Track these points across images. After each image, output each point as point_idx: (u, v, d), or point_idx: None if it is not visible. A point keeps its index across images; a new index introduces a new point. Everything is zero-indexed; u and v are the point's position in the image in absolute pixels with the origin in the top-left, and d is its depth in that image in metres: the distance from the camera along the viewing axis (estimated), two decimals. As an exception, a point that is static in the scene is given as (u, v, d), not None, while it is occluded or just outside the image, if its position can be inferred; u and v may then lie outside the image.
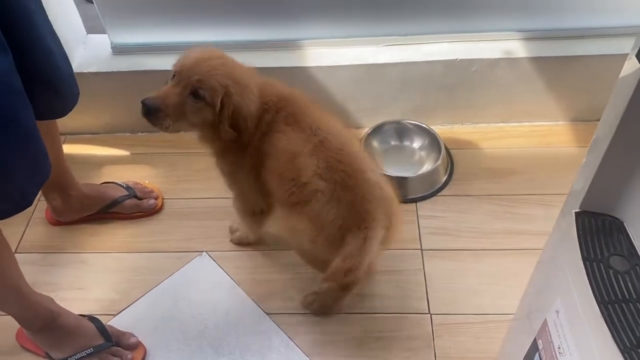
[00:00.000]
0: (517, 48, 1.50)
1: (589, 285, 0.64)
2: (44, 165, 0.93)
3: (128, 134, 1.69)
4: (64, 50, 1.06)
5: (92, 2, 1.48)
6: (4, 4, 0.84)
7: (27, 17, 0.92)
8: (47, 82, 1.00)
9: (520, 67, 1.50)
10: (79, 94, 1.13)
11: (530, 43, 1.51)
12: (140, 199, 1.47)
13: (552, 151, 1.58)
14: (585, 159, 0.70)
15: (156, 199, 1.49)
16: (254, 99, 1.06)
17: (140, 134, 1.69)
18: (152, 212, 1.47)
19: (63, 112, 1.12)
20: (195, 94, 1.00)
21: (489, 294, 1.27)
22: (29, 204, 0.92)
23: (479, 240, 1.38)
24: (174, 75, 1.03)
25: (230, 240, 1.40)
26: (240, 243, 1.39)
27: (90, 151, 1.65)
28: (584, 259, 0.66)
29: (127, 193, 1.46)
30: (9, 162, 0.84)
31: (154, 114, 1.00)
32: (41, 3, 0.99)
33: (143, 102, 1.00)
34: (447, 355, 1.19)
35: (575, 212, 0.70)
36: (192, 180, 1.56)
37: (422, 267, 1.34)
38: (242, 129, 1.06)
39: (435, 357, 1.18)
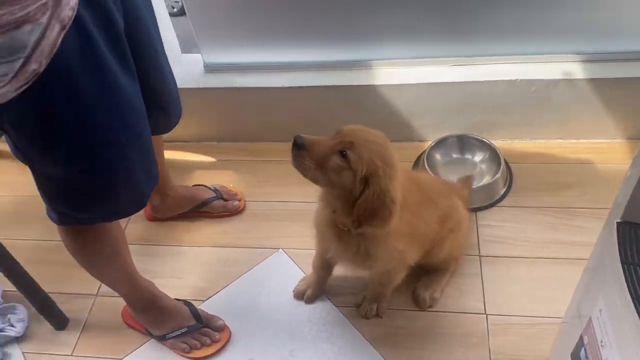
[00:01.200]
0: (576, 70, 1.59)
1: (626, 286, 0.76)
2: (156, 173, 1.12)
3: (215, 143, 1.90)
4: (174, 78, 1.25)
5: (185, 14, 1.66)
6: (136, 38, 1.03)
7: (153, 52, 1.12)
8: (161, 104, 1.20)
9: (579, 88, 1.59)
10: (181, 113, 1.32)
11: (588, 65, 1.60)
12: (226, 200, 1.66)
13: (608, 167, 1.66)
14: (629, 173, 0.81)
15: (239, 200, 1.68)
16: (399, 188, 1.05)
17: (225, 143, 1.90)
18: (235, 212, 1.66)
19: (168, 129, 1.32)
20: (343, 153, 1.00)
21: (541, 298, 1.37)
22: (145, 204, 1.11)
23: (533, 249, 1.48)
24: (334, 134, 1.06)
25: (365, 317, 1.39)
26: (373, 316, 1.39)
27: (183, 157, 1.86)
28: (622, 263, 0.77)
29: (215, 195, 1.66)
30: (136, 172, 1.03)
31: (301, 149, 1.02)
32: (160, 34, 1.18)
33: (297, 137, 1.03)
34: (500, 352, 1.30)
35: (617, 222, 0.81)
36: (270, 185, 1.74)
37: (479, 271, 1.45)
38: (385, 217, 1.03)
39: (490, 353, 1.30)
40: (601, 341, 0.87)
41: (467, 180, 1.55)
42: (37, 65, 0.81)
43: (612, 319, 0.83)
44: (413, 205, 1.16)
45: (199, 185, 1.70)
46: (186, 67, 1.80)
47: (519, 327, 1.33)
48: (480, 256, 1.49)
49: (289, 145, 1.82)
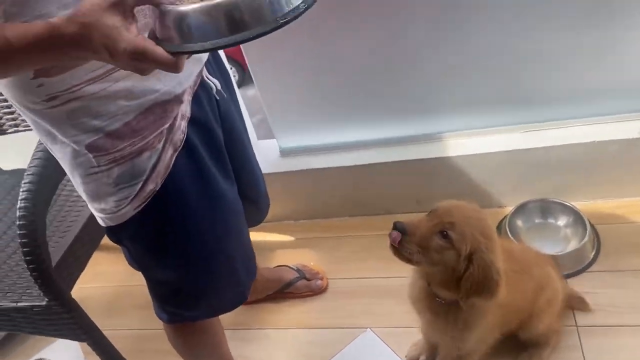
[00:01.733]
0: (655, 126, 1.56)
1: None
2: (254, 267, 1.18)
3: (292, 222, 1.96)
4: (262, 174, 1.33)
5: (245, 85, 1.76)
6: (231, 146, 1.11)
7: (244, 152, 1.20)
8: (252, 200, 1.27)
9: (659, 144, 1.55)
10: (269, 206, 1.39)
11: (668, 120, 1.56)
12: (308, 279, 1.69)
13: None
14: None
15: (322, 279, 1.70)
16: (502, 260, 1.06)
17: (302, 221, 1.95)
18: (319, 291, 1.69)
19: (259, 221, 1.39)
20: (444, 233, 1.01)
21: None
22: (246, 298, 1.16)
23: (636, 315, 1.41)
24: (429, 213, 1.08)
25: None
26: None
27: (263, 237, 1.93)
28: None
29: (298, 275, 1.69)
30: (238, 270, 1.09)
31: (403, 234, 1.03)
32: (249, 138, 1.26)
33: (396, 223, 1.04)
34: None
35: None
36: (350, 261, 1.77)
37: (579, 343, 1.39)
38: (493, 289, 1.03)
39: None
40: None
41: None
42: (154, 185, 0.89)
43: None
44: (509, 275, 1.13)
45: (282, 265, 1.74)
46: (263, 153, 1.89)
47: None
48: (577, 327, 1.43)
49: (366, 219, 1.89)
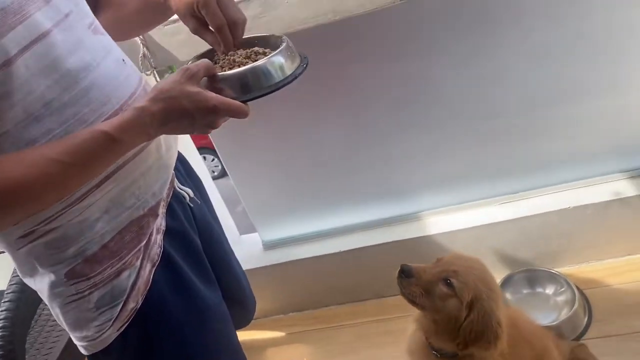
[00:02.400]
0: (626, 187, 1.60)
1: None
2: None
3: (282, 316, 1.92)
4: (244, 272, 1.32)
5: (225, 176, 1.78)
6: (210, 251, 1.10)
7: (225, 257, 1.19)
8: (238, 301, 1.25)
9: (633, 204, 1.59)
10: (255, 304, 1.37)
11: (637, 181, 1.61)
12: (304, 378, 1.64)
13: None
14: None
15: (317, 375, 1.65)
16: (502, 309, 1.09)
17: (292, 314, 1.91)
18: (315, 388, 1.63)
19: (247, 322, 1.36)
20: (447, 281, 1.06)
21: None
22: None
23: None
24: (435, 261, 1.14)
25: None
26: None
27: (253, 336, 1.87)
28: None
29: (291, 373, 1.64)
30: None
31: (408, 277, 1.08)
32: (227, 238, 1.26)
33: (403, 265, 1.09)
34: None
35: None
36: (344, 353, 1.72)
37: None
38: (491, 339, 1.05)
39: None
40: None
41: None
42: (134, 303, 0.88)
43: None
44: (510, 342, 1.14)
45: (274, 364, 1.69)
46: (246, 248, 1.89)
47: None
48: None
49: (357, 305, 1.86)
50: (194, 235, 1.00)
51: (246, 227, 1.98)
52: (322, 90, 1.52)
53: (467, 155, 1.64)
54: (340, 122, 1.61)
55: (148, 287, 0.89)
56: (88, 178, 0.76)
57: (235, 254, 1.34)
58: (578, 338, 1.52)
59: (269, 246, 1.86)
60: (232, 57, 0.85)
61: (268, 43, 0.89)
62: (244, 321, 1.34)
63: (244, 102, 0.78)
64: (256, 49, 0.88)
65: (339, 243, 1.79)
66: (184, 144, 1.55)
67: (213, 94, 0.75)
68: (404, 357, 1.28)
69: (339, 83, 1.53)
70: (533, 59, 1.46)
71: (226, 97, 0.77)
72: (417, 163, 1.67)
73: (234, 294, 1.24)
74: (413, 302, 1.09)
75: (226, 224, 1.90)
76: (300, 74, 0.83)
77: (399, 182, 1.72)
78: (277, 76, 0.81)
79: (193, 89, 0.74)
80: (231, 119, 0.78)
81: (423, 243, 1.72)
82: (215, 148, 1.67)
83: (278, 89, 0.80)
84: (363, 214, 1.79)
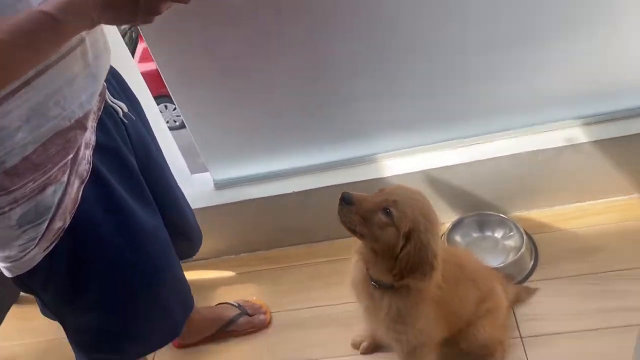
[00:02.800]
0: (579, 134, 1.60)
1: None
2: (190, 301, 1.11)
3: (233, 256, 1.89)
4: (189, 205, 1.28)
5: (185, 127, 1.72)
6: (150, 177, 1.05)
7: (164, 177, 1.14)
8: (182, 233, 1.21)
9: (585, 151, 1.59)
10: (202, 237, 1.33)
11: (590, 127, 1.61)
12: (250, 315, 1.62)
13: (633, 224, 1.62)
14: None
15: (265, 313, 1.64)
16: (440, 244, 1.10)
17: (243, 254, 1.89)
18: (262, 327, 1.62)
19: (192, 254, 1.32)
20: (387, 210, 1.05)
21: (590, 375, 1.30)
22: (179, 334, 1.08)
23: (577, 322, 1.41)
24: (377, 191, 1.13)
25: None
26: None
27: (203, 276, 1.85)
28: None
29: (240, 311, 1.62)
30: (169, 303, 1.02)
31: (348, 204, 1.07)
32: (169, 168, 1.21)
33: (344, 193, 1.08)
34: None
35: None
36: (294, 292, 1.71)
37: (524, 354, 1.38)
38: (427, 270, 1.06)
39: None
40: None
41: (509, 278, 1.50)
42: (62, 222, 0.83)
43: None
44: (451, 279, 1.17)
45: (222, 303, 1.66)
46: (197, 187, 1.83)
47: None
48: (521, 338, 1.42)
49: (309, 247, 1.85)
50: (127, 154, 0.95)
51: (199, 169, 1.92)
52: (276, 26, 1.45)
53: (422, 98, 1.60)
54: (295, 60, 1.54)
55: (77, 206, 0.84)
56: (32, 62, 0.72)
57: (186, 193, 1.29)
58: (523, 280, 1.55)
59: (221, 185, 1.81)
60: None
61: None
62: (189, 253, 1.31)
63: None
64: None
65: (291, 184, 1.75)
66: (140, 91, 1.45)
67: None
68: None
69: (294, 16, 1.45)
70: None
71: None
72: (372, 105, 1.63)
73: (178, 223, 1.20)
74: (352, 231, 1.08)
75: (177, 165, 1.84)
76: None
77: (353, 124, 1.68)
78: None
79: None
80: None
81: (376, 185, 1.66)
82: (164, 79, 1.59)
83: None
84: (317, 155, 1.75)
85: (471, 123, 1.66)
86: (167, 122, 1.80)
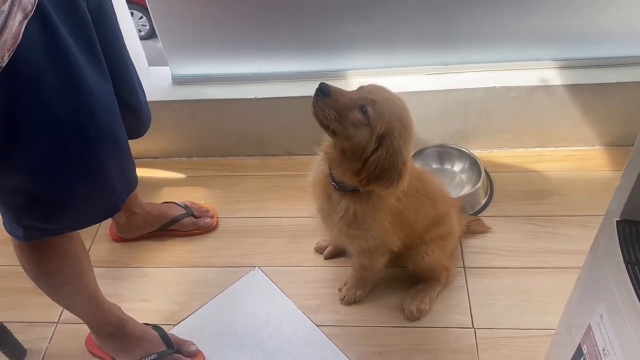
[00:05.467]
0: (554, 76, 1.58)
1: (632, 287, 0.70)
2: (133, 175, 1.04)
3: (185, 159, 1.82)
4: (141, 84, 1.18)
5: (151, 38, 1.61)
6: (100, 32, 0.95)
7: (117, 41, 1.05)
8: (131, 107, 1.12)
9: (557, 94, 1.57)
10: (151, 118, 1.25)
11: (566, 71, 1.59)
12: (197, 217, 1.58)
13: (588, 174, 1.64)
14: (626, 168, 0.76)
15: (212, 217, 1.59)
16: (411, 151, 1.07)
17: (195, 158, 1.82)
18: (208, 230, 1.58)
19: (140, 134, 1.24)
20: (363, 109, 1.00)
21: (530, 309, 1.32)
22: (119, 209, 1.01)
23: (519, 258, 1.44)
24: (357, 88, 1.07)
25: (343, 301, 1.38)
26: (352, 302, 1.38)
27: (151, 174, 1.77)
28: (626, 263, 0.72)
29: (185, 212, 1.57)
30: (110, 172, 0.94)
31: (325, 96, 1.00)
32: (121, 31, 1.10)
33: (321, 83, 1.01)
34: (492, 367, 1.24)
35: (617, 221, 0.77)
36: (244, 200, 1.67)
37: (465, 283, 1.40)
38: (394, 178, 1.02)
39: (480, 369, 1.24)
40: (603, 349, 0.82)
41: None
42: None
43: (615, 324, 0.78)
44: (411, 192, 1.15)
45: (168, 202, 1.61)
46: (154, 80, 1.73)
47: (509, 340, 1.28)
48: (464, 268, 1.44)
49: (265, 159, 1.79)
50: (82, 1, 0.85)
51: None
52: None
53: (397, 18, 1.53)
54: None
55: (17, 43, 0.74)
56: None
57: (143, 85, 1.20)
58: (475, 214, 1.55)
59: (179, 81, 1.71)
60: None
61: None
62: (137, 132, 1.22)
63: None
64: None
65: (254, 89, 1.67)
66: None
67: None
68: (308, 204, 1.24)
69: None
70: None
71: None
72: (349, 17, 1.54)
73: (129, 97, 1.12)
74: (325, 126, 1.02)
75: (135, 54, 1.72)
76: None
77: (328, 35, 1.59)
78: None
79: None
80: None
81: (343, 102, 1.63)
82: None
83: None
84: (285, 63, 1.66)
85: (448, 51, 1.61)
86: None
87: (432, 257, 1.28)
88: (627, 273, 0.72)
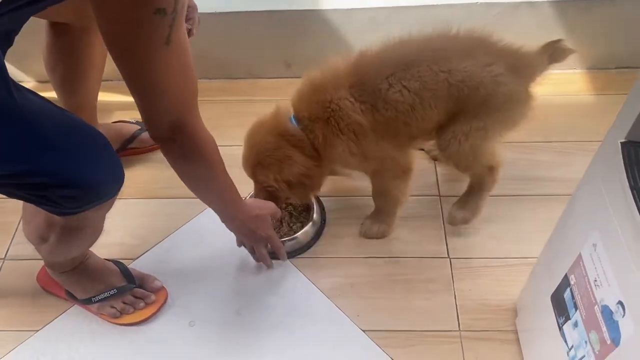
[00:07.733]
0: (539, -9, 1.47)
1: (637, 214, 0.64)
2: None
3: (139, 80, 1.66)
4: None
5: None
6: None
7: None
8: None
9: (542, 11, 1.48)
10: None
11: (553, -14, 1.48)
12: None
13: (568, 99, 1.57)
14: (637, 83, 0.68)
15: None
16: None
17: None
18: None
19: None
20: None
21: (508, 238, 1.29)
22: None
23: (496, 186, 1.38)
24: None
25: (363, 235, 1.31)
26: (372, 236, 1.31)
27: (103, 97, 1.60)
28: (632, 188, 0.66)
29: (140, 127, 1.46)
30: None
31: None
32: None
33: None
34: (467, 297, 1.20)
35: (621, 142, 0.69)
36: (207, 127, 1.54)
37: (440, 212, 1.35)
38: None
39: (455, 299, 1.20)
40: (595, 280, 0.77)
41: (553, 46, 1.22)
42: None
43: (612, 255, 0.72)
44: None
45: (120, 121, 1.48)
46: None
47: (486, 269, 1.24)
48: (440, 196, 1.38)
49: (228, 82, 1.66)
50: None
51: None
52: None
53: None
54: None
55: None
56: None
57: None
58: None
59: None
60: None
61: None
62: None
63: None
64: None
65: (214, 2, 1.50)
66: None
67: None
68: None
69: None
70: None
71: None
72: None
73: None
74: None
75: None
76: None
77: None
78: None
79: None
80: None
81: (313, 18, 1.50)
82: None
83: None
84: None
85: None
86: None
87: (465, 147, 1.13)
88: (632, 200, 0.65)
